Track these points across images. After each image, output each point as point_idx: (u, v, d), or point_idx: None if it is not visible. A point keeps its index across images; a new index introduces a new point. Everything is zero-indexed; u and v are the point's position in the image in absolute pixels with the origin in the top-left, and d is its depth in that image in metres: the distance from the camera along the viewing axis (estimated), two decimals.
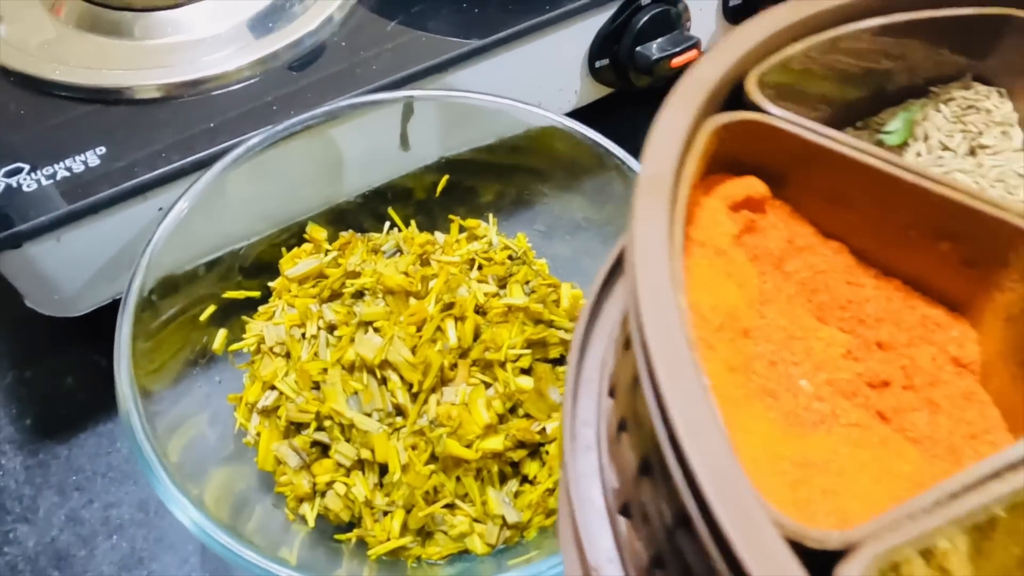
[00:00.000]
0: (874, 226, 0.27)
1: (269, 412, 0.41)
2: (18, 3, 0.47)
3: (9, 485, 0.43)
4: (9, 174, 0.39)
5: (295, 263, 0.45)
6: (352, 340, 0.40)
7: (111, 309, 0.38)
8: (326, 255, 0.46)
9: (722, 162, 0.27)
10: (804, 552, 0.17)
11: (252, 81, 0.45)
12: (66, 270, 0.41)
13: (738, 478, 0.17)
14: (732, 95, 0.27)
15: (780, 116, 0.27)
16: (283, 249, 0.46)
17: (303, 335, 0.42)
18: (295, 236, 0.47)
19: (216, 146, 0.42)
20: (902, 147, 0.34)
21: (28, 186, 0.39)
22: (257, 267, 0.46)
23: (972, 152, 0.33)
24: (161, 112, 0.43)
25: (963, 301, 0.27)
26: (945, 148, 0.33)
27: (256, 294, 0.46)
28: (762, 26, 0.27)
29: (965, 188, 0.25)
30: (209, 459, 0.39)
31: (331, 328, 0.42)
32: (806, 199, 0.28)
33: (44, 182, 0.39)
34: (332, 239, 0.47)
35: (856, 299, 0.27)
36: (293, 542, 0.38)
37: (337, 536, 0.40)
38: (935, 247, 0.26)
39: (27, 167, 0.39)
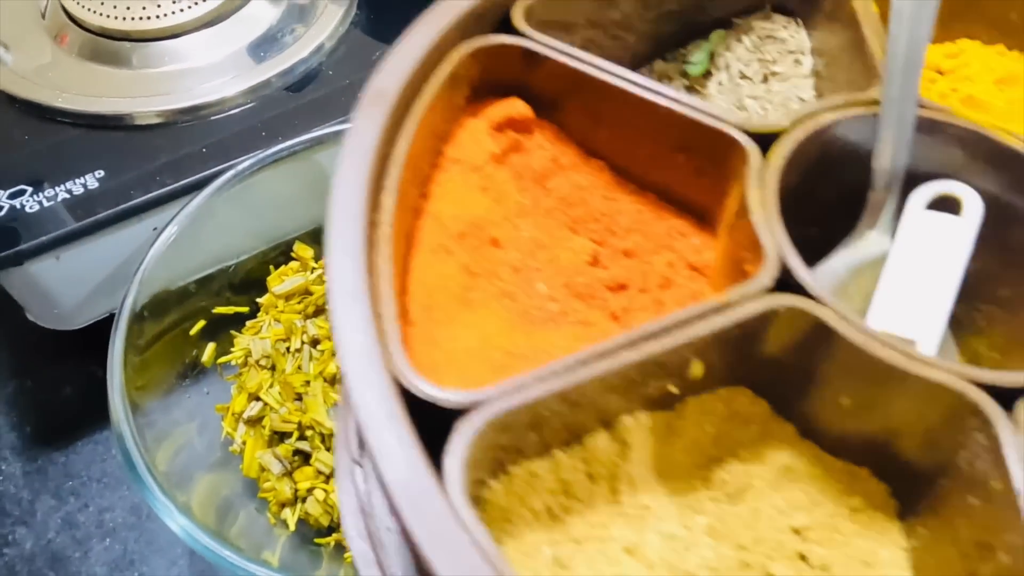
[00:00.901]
0: (629, 144, 0.29)
1: (254, 422, 0.44)
2: (25, 33, 0.49)
3: (8, 489, 0.46)
4: (13, 195, 0.42)
5: (282, 280, 0.48)
6: (334, 354, 0.43)
7: (108, 322, 0.40)
8: (312, 273, 0.48)
9: (493, 85, 0.29)
10: (439, 411, 0.20)
11: (244, 108, 0.48)
12: (65, 286, 0.44)
13: (373, 350, 0.19)
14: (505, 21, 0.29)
15: (541, 42, 0.28)
16: (271, 267, 0.49)
17: (288, 349, 0.45)
18: (283, 254, 0.50)
19: (207, 170, 0.44)
20: (706, 77, 0.36)
21: (31, 207, 0.41)
22: (246, 284, 0.48)
23: (765, 79, 0.34)
24: (157, 137, 0.46)
25: (707, 211, 0.28)
26: (743, 76, 0.35)
27: (245, 309, 0.48)
28: None
29: (692, 103, 0.27)
30: (197, 466, 0.41)
31: (315, 342, 0.45)
32: (572, 121, 0.30)
33: (46, 203, 0.42)
34: (318, 257, 0.49)
35: (610, 212, 0.29)
36: (275, 545, 0.41)
37: (317, 540, 0.42)
38: (674, 159, 0.28)
39: (30, 189, 0.42)
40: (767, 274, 0.22)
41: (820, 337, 0.22)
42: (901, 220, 0.27)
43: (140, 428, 0.37)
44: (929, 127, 0.27)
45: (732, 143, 0.26)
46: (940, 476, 0.21)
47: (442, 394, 0.20)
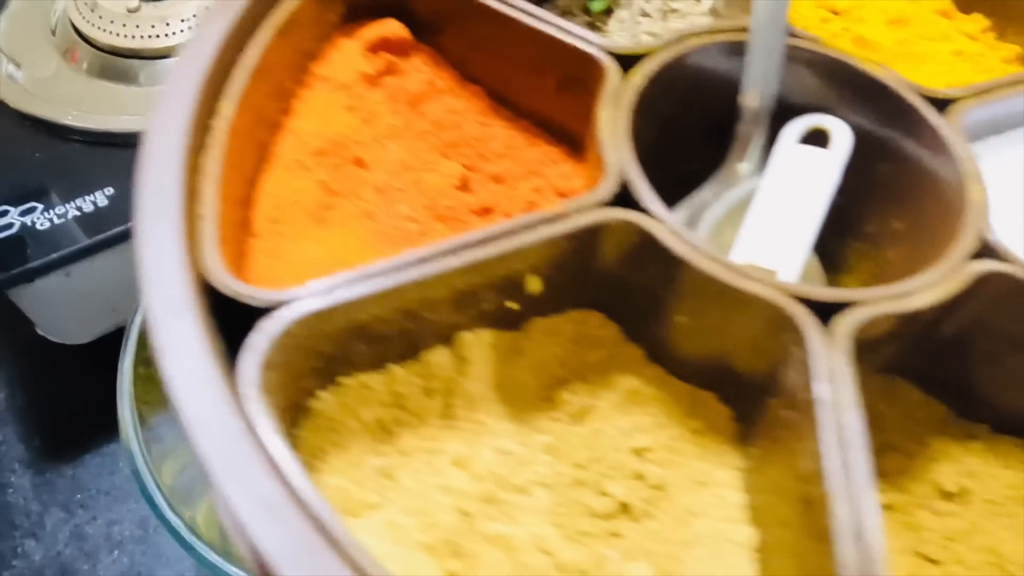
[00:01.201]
0: (505, 69, 0.28)
1: None
2: (34, 49, 0.49)
3: (18, 501, 0.46)
4: (24, 212, 0.41)
5: None
6: None
7: (117, 336, 0.39)
8: None
9: (370, 5, 0.29)
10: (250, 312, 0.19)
11: None
12: (75, 302, 0.44)
13: (174, 245, 0.19)
14: None
15: None
16: None
17: None
18: None
19: None
20: (607, 14, 0.35)
21: (41, 224, 0.41)
22: None
23: (665, 16, 0.34)
24: None
25: (579, 138, 0.28)
26: (644, 14, 0.34)
27: None
28: None
29: (561, 24, 0.26)
30: (203, 481, 0.40)
31: None
32: (451, 45, 0.29)
33: (56, 220, 0.41)
34: None
35: (483, 137, 0.28)
36: None
37: None
38: (547, 84, 0.27)
39: (40, 206, 0.42)
40: (605, 188, 0.22)
41: (651, 252, 0.21)
42: (772, 153, 0.27)
43: (148, 442, 0.37)
44: (798, 57, 0.26)
45: (596, 64, 0.25)
46: (768, 394, 0.21)
47: (246, 290, 0.19)
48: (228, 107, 0.23)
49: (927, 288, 0.21)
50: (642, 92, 0.24)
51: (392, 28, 0.29)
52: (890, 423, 0.25)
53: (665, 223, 0.21)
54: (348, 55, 0.28)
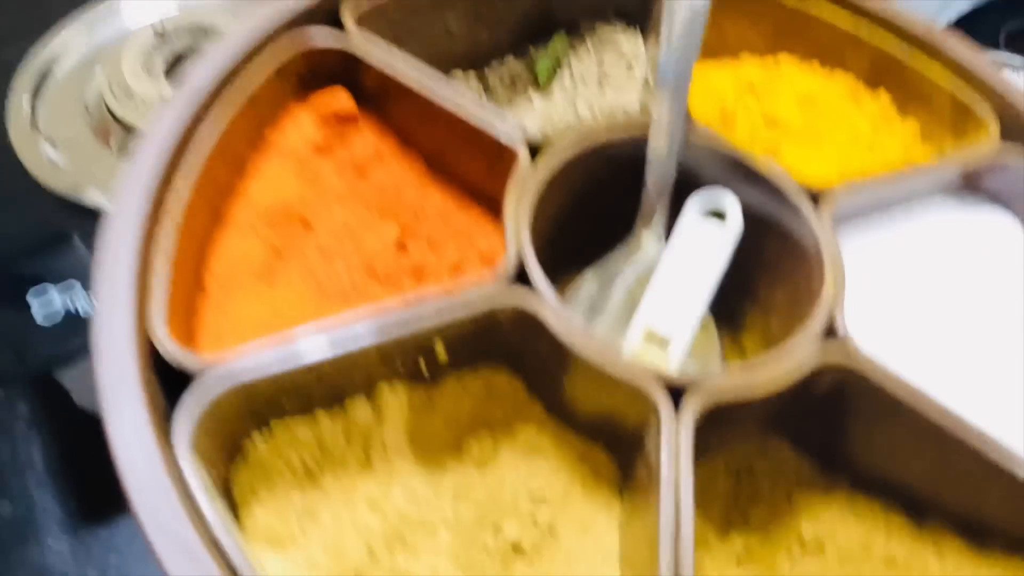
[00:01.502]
0: (439, 141, 0.32)
1: None
2: (72, 132, 0.51)
3: (56, 563, 0.47)
4: (64, 290, 0.43)
5: None
6: None
7: None
8: None
9: (322, 76, 0.32)
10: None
11: None
12: None
13: (122, 309, 0.22)
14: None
15: (358, 46, 0.31)
16: None
17: None
18: None
19: None
20: (550, 81, 0.38)
21: (81, 306, 0.43)
22: None
23: (600, 84, 0.37)
24: None
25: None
26: (583, 82, 0.37)
27: None
28: None
29: (478, 113, 0.29)
30: None
31: None
32: (394, 112, 0.33)
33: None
34: None
35: (420, 202, 0.32)
36: None
37: None
38: (474, 157, 0.31)
39: (79, 283, 0.43)
40: (504, 267, 0.25)
41: (538, 331, 0.24)
42: (675, 224, 0.30)
43: None
44: (697, 146, 0.29)
45: (507, 149, 0.29)
46: (637, 452, 0.25)
47: (184, 357, 0.23)
48: (184, 182, 0.26)
49: (767, 373, 0.24)
50: (548, 180, 0.28)
51: (341, 100, 0.32)
52: (761, 476, 0.28)
53: (550, 306, 0.24)
54: (300, 125, 0.31)
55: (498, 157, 0.29)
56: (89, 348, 0.43)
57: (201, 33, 0.54)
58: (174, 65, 0.53)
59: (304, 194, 0.30)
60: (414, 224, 0.32)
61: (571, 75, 0.38)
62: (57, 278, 0.44)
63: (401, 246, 0.31)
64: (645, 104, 0.35)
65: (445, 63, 0.36)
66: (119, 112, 0.49)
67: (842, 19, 0.34)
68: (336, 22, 0.32)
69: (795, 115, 0.34)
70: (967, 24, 0.71)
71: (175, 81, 0.50)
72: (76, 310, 0.43)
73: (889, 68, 0.34)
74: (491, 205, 0.32)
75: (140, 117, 0.49)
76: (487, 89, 0.38)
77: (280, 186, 0.30)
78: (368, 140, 0.32)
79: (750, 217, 0.29)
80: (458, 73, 0.37)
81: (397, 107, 0.32)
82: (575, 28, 0.38)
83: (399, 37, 0.32)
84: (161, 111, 0.27)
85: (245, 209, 0.29)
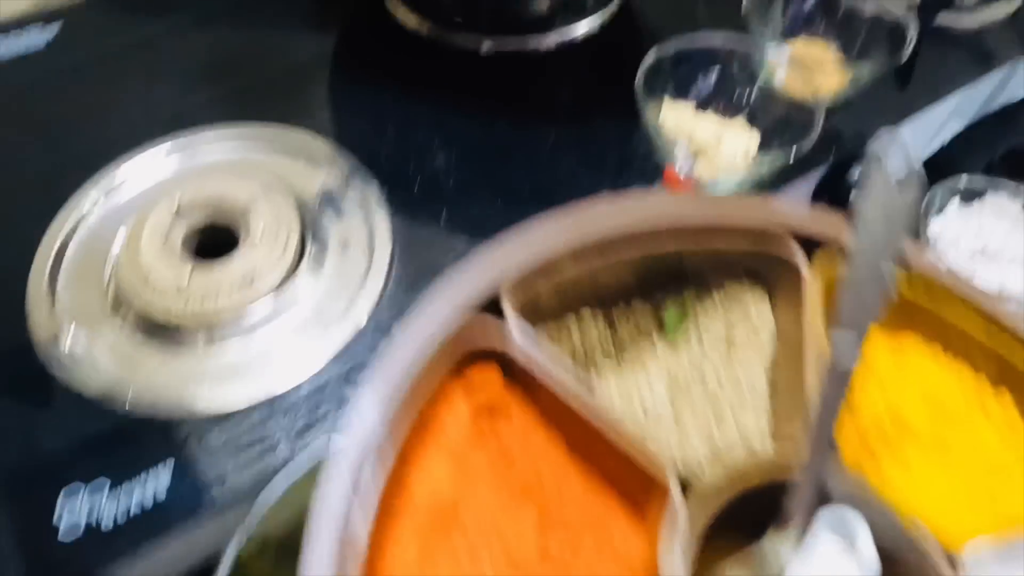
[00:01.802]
0: (584, 436, 0.34)
1: None
2: (100, 322, 0.52)
3: None
4: (94, 489, 0.45)
5: None
6: None
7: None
8: None
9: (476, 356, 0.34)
10: None
11: (306, 393, 0.50)
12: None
13: None
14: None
15: (518, 346, 0.33)
16: None
17: None
18: None
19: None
20: (675, 331, 0.40)
21: (107, 522, 0.44)
22: None
23: (728, 350, 0.38)
24: (219, 430, 0.48)
25: (643, 505, 0.33)
26: (712, 346, 0.39)
27: None
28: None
29: (630, 437, 0.31)
30: None
31: None
32: (542, 396, 0.34)
33: (122, 500, 0.44)
34: None
35: (559, 486, 0.34)
36: None
37: None
38: (620, 463, 0.33)
39: (109, 481, 0.45)
40: None
41: None
42: (806, 537, 0.32)
43: None
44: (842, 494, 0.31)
45: (654, 480, 0.31)
46: None
47: None
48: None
49: None
50: (703, 530, 0.30)
51: (495, 389, 0.34)
52: None
53: None
54: (457, 414, 0.34)
55: (644, 475, 0.31)
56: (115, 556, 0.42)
57: (216, 207, 0.56)
58: (191, 239, 0.55)
59: (457, 488, 0.33)
60: (552, 509, 0.34)
61: (698, 333, 0.39)
62: (85, 477, 0.45)
63: (540, 526, 0.33)
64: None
65: (575, 303, 0.38)
66: (136, 299, 0.51)
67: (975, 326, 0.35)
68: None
69: (920, 414, 0.35)
70: (962, 144, 0.70)
71: (189, 254, 0.53)
72: (99, 522, 0.44)
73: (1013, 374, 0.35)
74: (629, 497, 0.34)
75: (158, 304, 0.51)
76: (612, 329, 0.39)
77: (437, 481, 0.32)
78: (517, 427, 0.35)
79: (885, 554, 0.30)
80: (586, 312, 0.39)
81: (547, 396, 0.34)
82: (703, 280, 0.40)
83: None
84: (353, 429, 0.29)
85: (407, 509, 0.31)
